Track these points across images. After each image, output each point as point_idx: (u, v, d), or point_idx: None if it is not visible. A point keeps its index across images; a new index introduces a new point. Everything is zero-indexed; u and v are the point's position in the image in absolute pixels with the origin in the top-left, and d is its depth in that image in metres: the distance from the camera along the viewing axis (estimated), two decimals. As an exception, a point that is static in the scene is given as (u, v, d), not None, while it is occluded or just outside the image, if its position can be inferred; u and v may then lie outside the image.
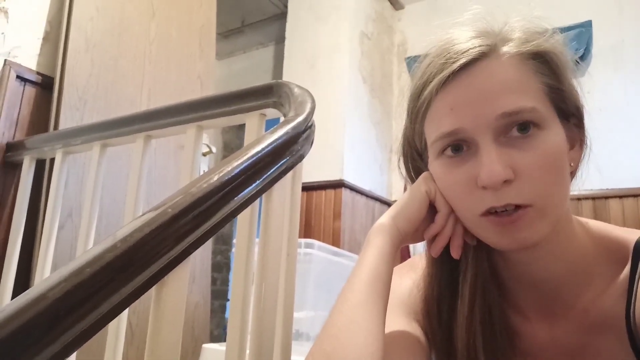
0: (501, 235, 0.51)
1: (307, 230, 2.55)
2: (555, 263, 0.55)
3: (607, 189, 2.34)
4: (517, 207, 0.50)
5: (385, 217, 0.59)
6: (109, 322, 0.51)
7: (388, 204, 3.03)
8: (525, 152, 0.50)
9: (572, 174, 0.57)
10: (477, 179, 0.50)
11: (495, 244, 0.53)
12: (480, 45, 0.52)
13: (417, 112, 0.57)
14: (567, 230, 0.55)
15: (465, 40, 0.53)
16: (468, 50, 0.51)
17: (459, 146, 0.53)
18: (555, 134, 0.52)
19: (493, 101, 0.50)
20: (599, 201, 2.37)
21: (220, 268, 3.68)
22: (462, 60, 0.51)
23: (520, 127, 0.50)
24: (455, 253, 0.57)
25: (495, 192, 0.49)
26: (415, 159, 0.63)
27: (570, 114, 0.55)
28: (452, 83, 0.52)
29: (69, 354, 0.46)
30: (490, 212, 0.51)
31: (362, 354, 0.46)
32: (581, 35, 2.44)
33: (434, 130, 0.54)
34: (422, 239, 0.60)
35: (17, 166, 1.55)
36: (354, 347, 0.46)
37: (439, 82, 0.52)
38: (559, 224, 0.53)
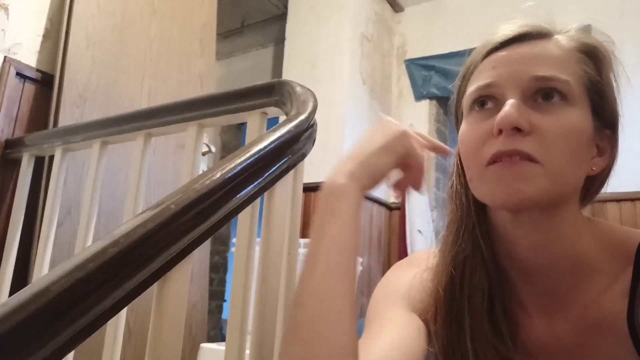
0: (498, 184, 0.50)
1: (307, 232, 2.54)
2: (557, 253, 0.54)
3: (604, 192, 2.33)
4: (525, 160, 0.49)
5: (345, 175, 0.53)
6: (111, 318, 0.51)
7: (386, 205, 3.03)
8: (545, 115, 0.50)
9: (595, 180, 0.59)
10: (494, 127, 0.51)
11: (492, 197, 0.52)
12: (535, 27, 0.56)
13: (465, 73, 0.60)
14: (573, 222, 0.55)
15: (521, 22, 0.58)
16: (522, 27, 0.56)
17: (484, 101, 0.55)
18: (582, 117, 0.52)
19: (532, 65, 0.52)
20: (597, 205, 2.37)
21: (218, 269, 3.67)
22: (516, 31, 0.55)
23: (546, 95, 0.51)
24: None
25: (506, 138, 0.50)
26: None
27: (605, 117, 0.56)
28: (501, 50, 0.55)
29: (70, 349, 0.46)
30: (496, 161, 0.51)
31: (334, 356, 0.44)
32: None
33: (473, 85, 0.56)
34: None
35: (16, 163, 1.55)
36: (324, 351, 0.44)
37: (491, 45, 0.56)
38: (564, 211, 0.53)
